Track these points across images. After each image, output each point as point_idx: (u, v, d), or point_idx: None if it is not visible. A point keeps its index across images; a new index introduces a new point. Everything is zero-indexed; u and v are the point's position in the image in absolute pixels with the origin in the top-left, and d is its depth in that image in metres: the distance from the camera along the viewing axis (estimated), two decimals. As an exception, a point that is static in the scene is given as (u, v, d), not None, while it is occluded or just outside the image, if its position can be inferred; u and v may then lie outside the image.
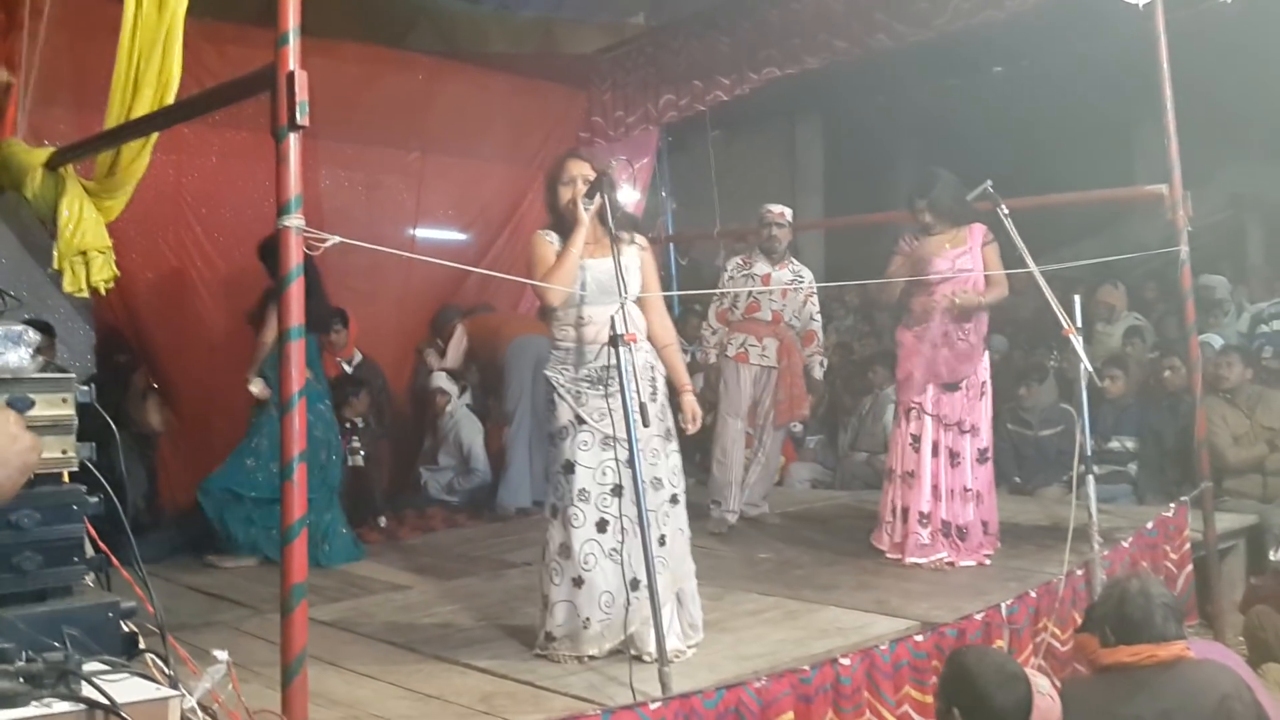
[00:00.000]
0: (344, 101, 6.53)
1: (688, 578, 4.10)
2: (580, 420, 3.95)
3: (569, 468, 3.94)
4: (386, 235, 6.89)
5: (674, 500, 4.03)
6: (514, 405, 6.93)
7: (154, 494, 6.33)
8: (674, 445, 4.07)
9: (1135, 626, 3.20)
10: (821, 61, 6.89)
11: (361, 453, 6.59)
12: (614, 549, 3.90)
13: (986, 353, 5.44)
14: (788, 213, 6.40)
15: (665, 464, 4.01)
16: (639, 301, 4.07)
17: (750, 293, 6.23)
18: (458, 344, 7.32)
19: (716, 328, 6.38)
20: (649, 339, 4.08)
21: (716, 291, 6.41)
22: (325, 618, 4.67)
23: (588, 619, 3.90)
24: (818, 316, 6.49)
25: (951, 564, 5.17)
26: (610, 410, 3.88)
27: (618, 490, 3.91)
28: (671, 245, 9.03)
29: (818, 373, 6.46)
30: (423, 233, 7.57)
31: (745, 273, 6.34)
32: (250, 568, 5.68)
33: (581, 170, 4.08)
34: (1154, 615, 3.21)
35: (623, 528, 3.88)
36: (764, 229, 6.37)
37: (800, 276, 6.37)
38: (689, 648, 4.01)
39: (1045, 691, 3.05)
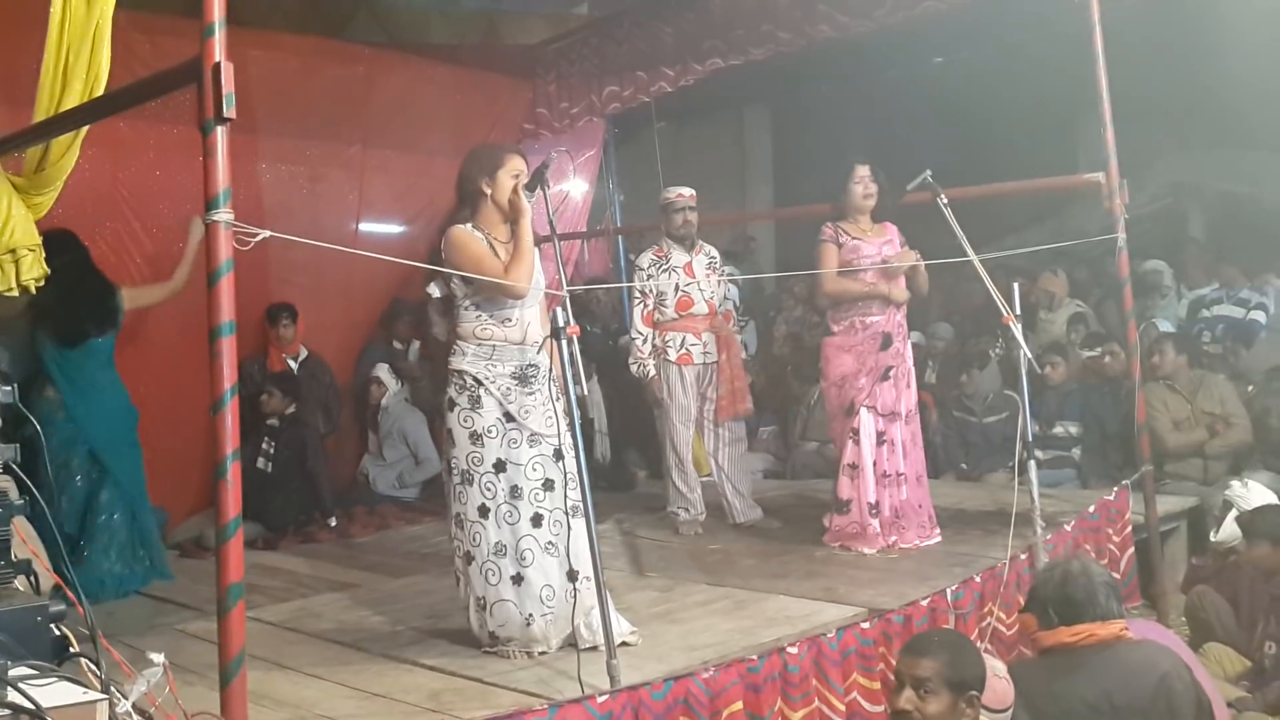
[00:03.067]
0: (283, 94, 6.44)
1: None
2: (509, 418, 3.95)
3: (500, 466, 3.94)
4: (329, 230, 6.80)
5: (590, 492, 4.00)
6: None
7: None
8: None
9: (1078, 606, 3.25)
10: (766, 52, 6.88)
11: (272, 456, 6.47)
12: (550, 543, 3.94)
13: (910, 343, 5.50)
14: (694, 194, 6.10)
15: (573, 460, 3.91)
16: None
17: (678, 287, 5.91)
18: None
19: (645, 333, 5.99)
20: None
21: (639, 285, 6.06)
22: (272, 618, 4.64)
23: (530, 615, 3.90)
24: (732, 295, 6.31)
25: (905, 549, 5.22)
26: (532, 407, 3.95)
27: (549, 485, 3.96)
28: (620, 238, 9.00)
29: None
30: (366, 226, 7.49)
31: (664, 267, 5.99)
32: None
33: (522, 167, 4.05)
34: (1096, 594, 3.26)
35: (557, 520, 3.92)
36: (674, 215, 6.01)
37: (714, 258, 6.15)
38: (631, 633, 4.02)
39: (1001, 674, 3.08)
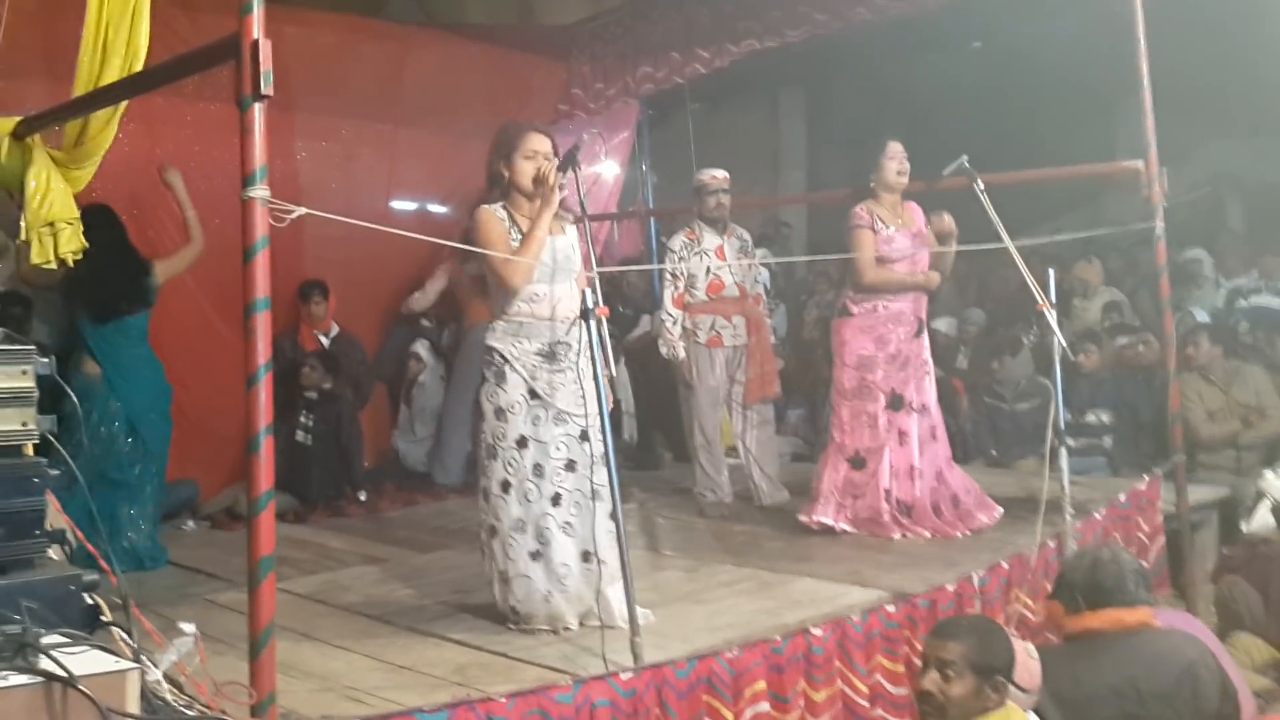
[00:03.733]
0: (318, 72, 6.47)
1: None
2: (534, 395, 3.97)
3: (522, 442, 3.96)
4: (361, 208, 6.80)
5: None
6: (460, 384, 6.89)
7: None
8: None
9: (1106, 592, 3.25)
10: (802, 34, 6.83)
11: (310, 429, 6.51)
12: (568, 522, 3.97)
13: (926, 332, 5.44)
14: (727, 177, 6.07)
15: (599, 444, 3.95)
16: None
17: (710, 270, 5.90)
18: (435, 283, 7.25)
19: (676, 315, 5.96)
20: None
21: (670, 268, 5.99)
22: (301, 590, 4.69)
23: (549, 592, 3.94)
24: (764, 279, 6.34)
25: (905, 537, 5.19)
26: (560, 385, 3.96)
27: (570, 465, 3.98)
28: (652, 220, 8.99)
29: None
30: (397, 205, 7.53)
31: (696, 250, 5.97)
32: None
33: (542, 146, 4.03)
34: (1125, 581, 3.26)
35: (576, 501, 3.97)
36: (708, 198, 6.00)
37: (746, 241, 6.16)
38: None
39: (1033, 655, 3.08)
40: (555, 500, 3.96)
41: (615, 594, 3.91)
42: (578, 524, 3.97)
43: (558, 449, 3.97)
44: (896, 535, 5.17)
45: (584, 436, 4.00)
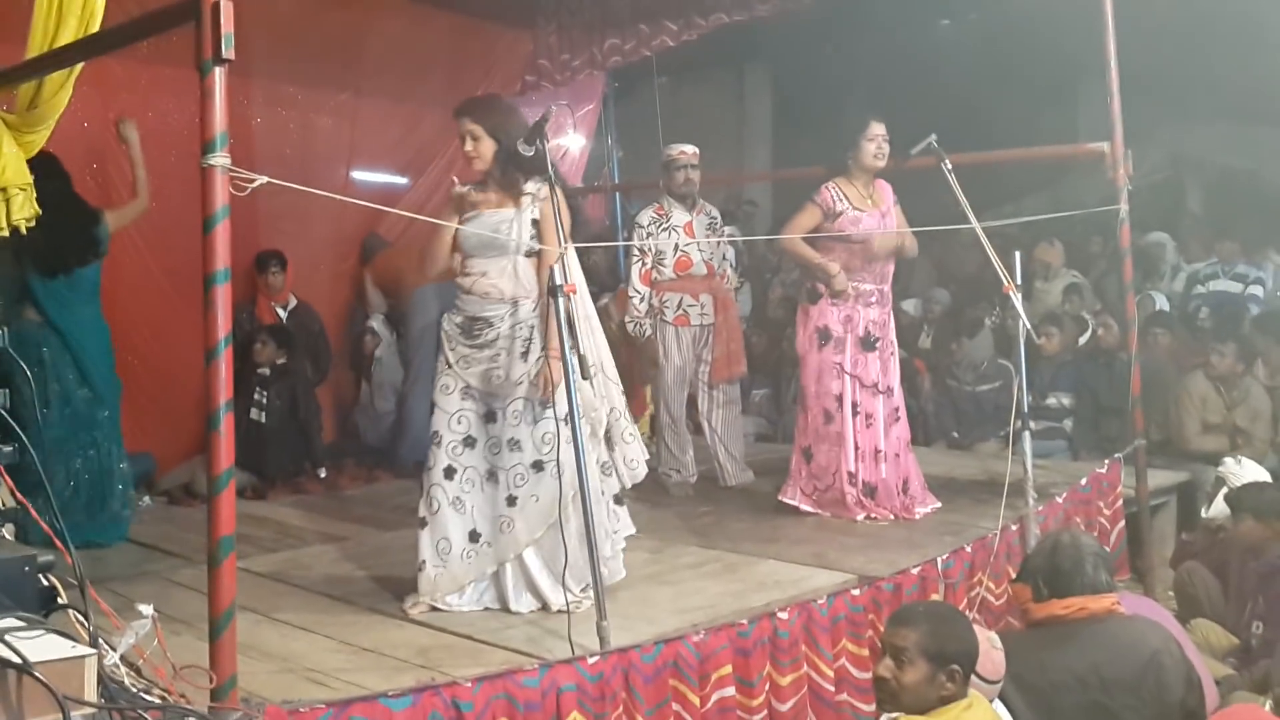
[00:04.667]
0: (276, 37, 6.30)
1: (547, 544, 3.95)
2: (448, 364, 4.01)
3: (431, 408, 4.06)
4: (320, 177, 6.66)
5: (536, 466, 3.93)
6: (413, 355, 6.82)
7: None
8: (553, 410, 3.89)
9: (1067, 577, 3.25)
10: (770, 9, 6.80)
11: (265, 406, 6.39)
12: (458, 498, 3.97)
13: (892, 313, 5.42)
14: (697, 153, 5.97)
15: (531, 428, 3.93)
16: (539, 254, 3.96)
17: (678, 247, 5.83)
18: (371, 288, 7.18)
19: (643, 291, 5.88)
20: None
21: (638, 244, 5.90)
22: (260, 569, 4.62)
23: (423, 561, 3.97)
24: (730, 257, 6.29)
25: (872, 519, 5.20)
26: (473, 362, 3.97)
27: (469, 442, 3.98)
28: (617, 195, 8.91)
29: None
30: (357, 175, 7.40)
31: (664, 225, 5.88)
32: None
33: (465, 128, 3.99)
34: (1085, 565, 3.25)
35: (470, 480, 3.97)
36: (676, 173, 5.90)
37: (715, 218, 6.09)
38: (573, 604, 3.83)
39: (996, 645, 3.08)
40: (449, 473, 3.97)
41: (540, 571, 3.93)
42: (469, 502, 3.97)
43: (458, 422, 3.97)
44: (860, 517, 5.18)
45: (490, 417, 3.98)
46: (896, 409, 5.37)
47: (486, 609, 4.00)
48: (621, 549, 4.16)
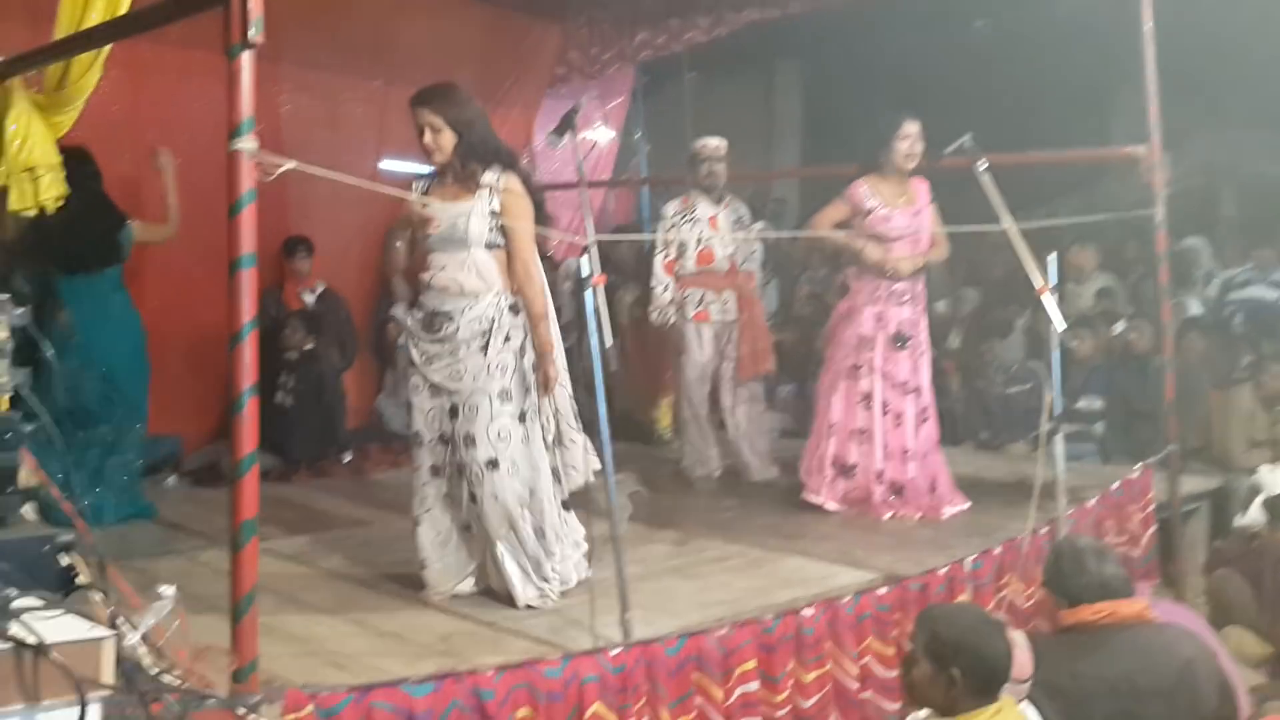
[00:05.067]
0: (307, 25, 6.29)
1: (511, 541, 3.88)
2: (412, 362, 3.93)
3: (408, 408, 4.01)
4: (348, 165, 6.52)
5: (491, 465, 3.80)
6: None
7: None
8: (510, 408, 3.83)
9: (1073, 579, 3.21)
10: (802, 6, 6.78)
11: (291, 389, 6.39)
12: (448, 494, 3.97)
13: (925, 312, 5.37)
14: (724, 146, 5.90)
15: (487, 424, 3.79)
16: (507, 248, 3.85)
17: (700, 239, 5.75)
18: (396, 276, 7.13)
19: (666, 281, 5.86)
20: (518, 290, 3.87)
21: (658, 236, 5.88)
22: (284, 550, 4.62)
23: (424, 560, 3.98)
24: (758, 256, 6.16)
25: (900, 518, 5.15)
26: (435, 357, 3.86)
27: (445, 439, 3.91)
28: (645, 188, 8.87)
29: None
30: (386, 164, 7.38)
31: (689, 218, 5.83)
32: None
33: (425, 119, 3.86)
34: (1086, 563, 3.21)
35: (455, 474, 3.91)
36: (700, 165, 5.83)
37: (744, 216, 6.00)
38: (542, 598, 3.88)
39: (1022, 645, 3.03)
40: (435, 471, 3.96)
41: (510, 566, 3.86)
42: (458, 496, 3.93)
43: (434, 420, 3.92)
44: (886, 515, 5.13)
45: (454, 413, 3.87)
46: (925, 408, 5.32)
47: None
48: (583, 551, 4.07)
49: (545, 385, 3.85)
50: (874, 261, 5.17)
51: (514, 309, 3.86)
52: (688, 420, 5.95)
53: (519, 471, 3.84)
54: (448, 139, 3.82)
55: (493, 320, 3.82)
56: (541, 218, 3.97)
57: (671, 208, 5.94)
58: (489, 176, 3.83)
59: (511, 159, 3.92)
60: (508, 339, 3.83)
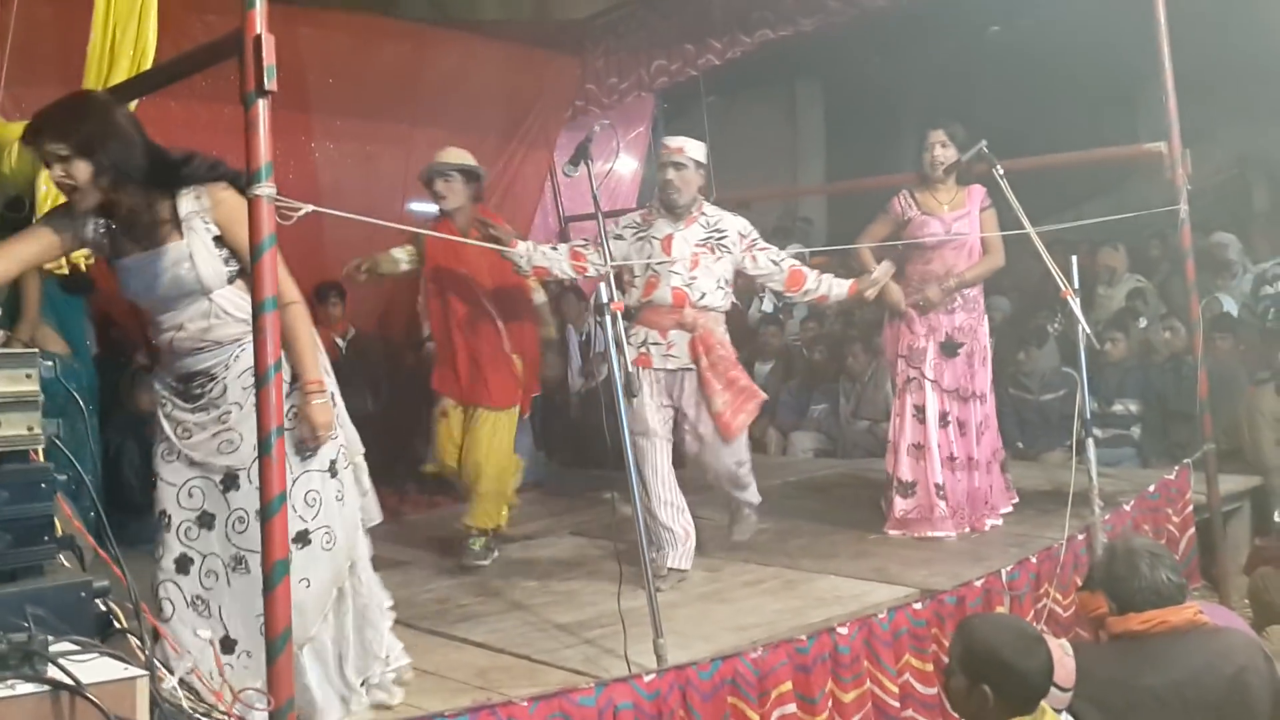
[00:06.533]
0: (334, 72, 6.45)
1: (320, 643, 3.20)
2: (164, 435, 3.15)
3: (152, 481, 3.18)
4: (378, 207, 6.79)
5: (300, 539, 3.05)
6: None
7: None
8: (312, 465, 3.12)
9: (1125, 584, 3.05)
10: (816, 23, 6.80)
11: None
12: (199, 596, 3.09)
13: (985, 318, 5.32)
14: (692, 148, 4.64)
15: (288, 488, 2.89)
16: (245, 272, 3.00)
17: (649, 266, 4.55)
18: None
19: (559, 257, 4.58)
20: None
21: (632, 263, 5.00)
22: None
23: (174, 688, 2.65)
24: (780, 258, 4.72)
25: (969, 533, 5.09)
26: (196, 428, 3.10)
27: (206, 520, 3.10)
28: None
29: (838, 290, 4.76)
30: (415, 205, 7.49)
31: (641, 234, 4.63)
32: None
33: (47, 150, 2.91)
34: (1140, 567, 3.05)
35: (212, 570, 3.10)
36: (660, 172, 4.64)
37: (721, 230, 4.61)
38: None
39: (1069, 653, 2.99)
40: (182, 565, 3.09)
41: (315, 679, 3.14)
42: (215, 602, 3.09)
43: (189, 495, 3.10)
44: (952, 534, 5.02)
45: (230, 484, 3.09)
46: (987, 416, 5.27)
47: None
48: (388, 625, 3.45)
49: (313, 434, 3.07)
50: (892, 303, 5.13)
51: None
52: (644, 490, 4.54)
53: (335, 541, 3.16)
54: (82, 170, 2.88)
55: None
56: None
57: (626, 220, 4.79)
58: (188, 203, 3.03)
59: (205, 167, 3.10)
60: (294, 377, 3.10)
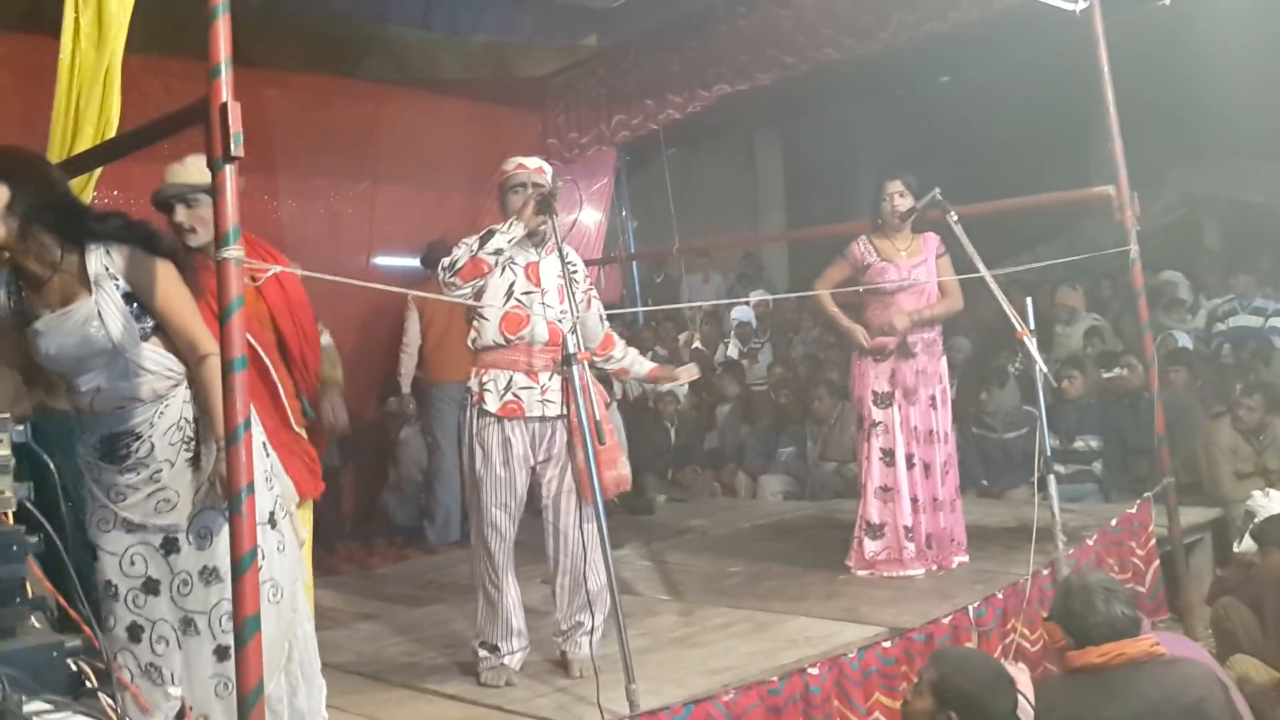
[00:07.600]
0: (297, 132, 6.52)
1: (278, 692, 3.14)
2: (95, 498, 3.05)
3: (94, 553, 3.03)
4: (343, 264, 6.86)
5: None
6: (438, 435, 6.84)
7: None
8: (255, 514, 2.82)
9: (1081, 619, 3.13)
10: (772, 77, 6.94)
11: None
12: (151, 664, 3.01)
13: (944, 359, 5.44)
14: (549, 170, 4.13)
15: (200, 555, 2.98)
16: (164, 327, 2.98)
17: (511, 294, 3.92)
18: (412, 324, 6.94)
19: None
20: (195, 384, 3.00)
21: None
22: (292, 650, 4.63)
23: None
24: (602, 314, 4.31)
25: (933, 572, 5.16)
26: (129, 490, 2.99)
27: (151, 586, 3.01)
28: (634, 264, 9.05)
29: (677, 376, 4.47)
30: (380, 260, 7.56)
31: (499, 257, 3.90)
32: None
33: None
34: (1095, 603, 3.12)
35: (163, 636, 3.01)
36: (511, 195, 4.03)
37: (575, 266, 4.09)
38: None
39: (1025, 684, 3.06)
40: (134, 633, 3.01)
41: None
42: (166, 668, 3.00)
43: (131, 563, 3.01)
44: (920, 572, 5.12)
45: (170, 546, 3.01)
46: (949, 456, 5.36)
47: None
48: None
49: (223, 489, 2.85)
50: (858, 344, 5.29)
51: None
52: (481, 575, 4.02)
53: (281, 594, 3.09)
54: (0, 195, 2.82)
55: (195, 416, 3.01)
56: (189, 276, 3.05)
57: (463, 247, 3.93)
58: (96, 258, 2.93)
59: (118, 226, 3.00)
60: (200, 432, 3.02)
